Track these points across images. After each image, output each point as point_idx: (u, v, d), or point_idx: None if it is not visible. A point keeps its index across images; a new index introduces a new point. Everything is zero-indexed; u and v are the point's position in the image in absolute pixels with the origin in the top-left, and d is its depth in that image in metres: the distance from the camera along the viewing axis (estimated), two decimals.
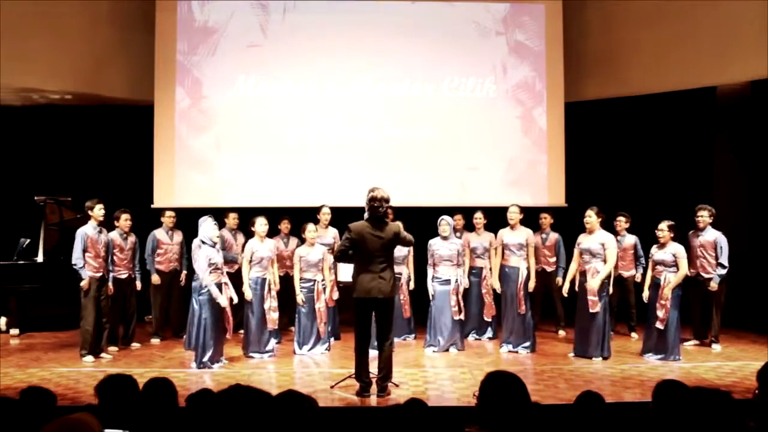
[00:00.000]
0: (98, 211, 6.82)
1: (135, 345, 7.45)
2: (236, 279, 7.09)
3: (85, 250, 6.76)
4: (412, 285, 7.63)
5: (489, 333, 7.83)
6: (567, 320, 8.04)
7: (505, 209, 7.48)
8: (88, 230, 6.80)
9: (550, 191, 9.25)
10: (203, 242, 6.37)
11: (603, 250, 6.66)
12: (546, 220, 8.11)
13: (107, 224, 7.14)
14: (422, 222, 8.23)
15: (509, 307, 7.18)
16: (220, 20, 9.16)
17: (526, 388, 2.46)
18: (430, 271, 7.29)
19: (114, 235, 7.18)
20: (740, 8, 8.20)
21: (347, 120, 9.20)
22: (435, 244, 7.25)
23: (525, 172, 9.28)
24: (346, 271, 6.87)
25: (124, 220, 7.26)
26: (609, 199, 9.22)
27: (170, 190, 9.11)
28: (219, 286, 6.38)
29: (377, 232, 5.29)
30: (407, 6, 9.27)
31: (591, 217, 6.76)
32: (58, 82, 8.95)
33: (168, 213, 7.82)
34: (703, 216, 7.18)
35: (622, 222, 7.76)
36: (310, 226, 7.16)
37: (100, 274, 6.82)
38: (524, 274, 7.16)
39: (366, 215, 5.40)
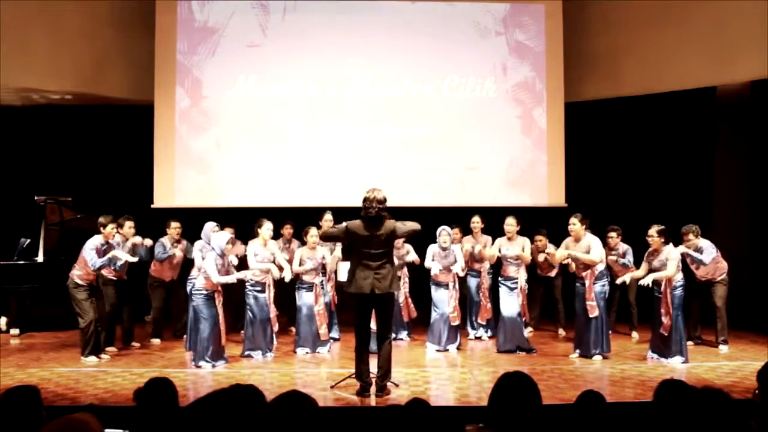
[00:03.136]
0: (110, 229, 6.80)
1: (135, 345, 7.45)
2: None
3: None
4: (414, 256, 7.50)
5: (489, 332, 7.83)
6: (567, 320, 8.04)
7: (503, 211, 7.45)
8: (96, 243, 6.75)
9: (550, 191, 9.25)
10: (213, 249, 6.46)
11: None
12: (542, 242, 8.03)
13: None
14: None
15: (510, 318, 7.13)
16: (220, 20, 9.17)
17: (539, 390, 2.46)
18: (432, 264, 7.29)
19: (115, 242, 7.13)
20: (740, 8, 8.20)
21: (347, 120, 9.20)
22: (434, 255, 7.22)
23: (525, 172, 9.28)
24: (346, 271, 6.86)
25: (128, 228, 7.24)
26: (609, 200, 9.25)
27: (170, 190, 9.11)
28: (212, 295, 6.45)
29: (372, 231, 5.33)
30: (407, 6, 9.27)
31: (575, 225, 6.69)
32: (59, 81, 8.96)
33: (174, 225, 7.73)
34: (691, 240, 6.96)
35: (614, 237, 7.51)
36: (313, 230, 7.15)
37: (89, 281, 6.79)
38: (523, 283, 7.18)
39: (362, 213, 5.44)
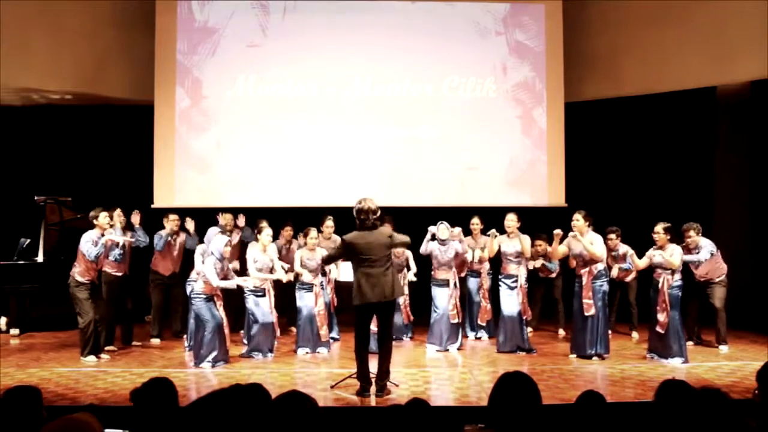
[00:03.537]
0: (103, 219, 6.81)
1: (135, 344, 7.45)
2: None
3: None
4: (412, 275, 7.53)
5: (488, 334, 7.82)
6: (567, 320, 8.04)
7: (503, 211, 7.46)
8: (92, 237, 6.75)
9: (550, 191, 9.24)
10: (212, 253, 6.46)
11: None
12: (542, 246, 8.03)
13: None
14: (422, 223, 8.22)
15: (510, 317, 7.13)
16: (220, 20, 9.16)
17: (539, 391, 2.46)
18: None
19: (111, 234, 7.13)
20: (740, 8, 8.20)
21: (347, 120, 9.19)
22: (434, 249, 7.25)
23: (525, 172, 9.28)
24: (346, 271, 6.88)
25: (117, 216, 7.24)
26: (609, 200, 9.25)
27: (170, 190, 9.11)
28: (212, 298, 6.46)
29: (370, 238, 5.43)
30: (407, 6, 9.27)
31: (579, 221, 6.71)
32: (59, 81, 8.96)
33: (172, 216, 7.76)
34: (692, 237, 6.97)
35: (613, 238, 7.51)
36: (313, 233, 7.17)
37: (90, 279, 6.78)
38: (523, 281, 7.18)
39: (357, 225, 5.53)
